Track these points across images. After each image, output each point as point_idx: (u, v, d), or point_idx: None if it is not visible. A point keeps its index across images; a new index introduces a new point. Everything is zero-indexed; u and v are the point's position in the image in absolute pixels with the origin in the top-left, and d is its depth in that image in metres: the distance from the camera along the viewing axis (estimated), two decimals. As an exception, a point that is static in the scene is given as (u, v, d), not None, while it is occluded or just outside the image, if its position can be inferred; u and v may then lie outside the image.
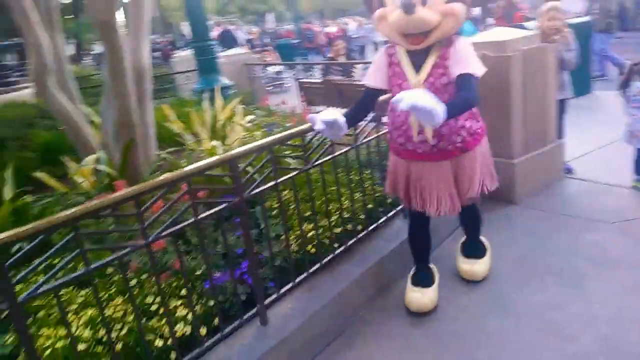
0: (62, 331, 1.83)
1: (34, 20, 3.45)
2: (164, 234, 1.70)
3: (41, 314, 1.99)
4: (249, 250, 2.02)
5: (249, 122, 4.16)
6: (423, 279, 2.43)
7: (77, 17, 18.45)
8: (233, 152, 1.90)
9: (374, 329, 2.35)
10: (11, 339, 1.84)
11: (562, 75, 3.83)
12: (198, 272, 2.22)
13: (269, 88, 9.52)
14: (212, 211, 1.86)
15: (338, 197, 2.54)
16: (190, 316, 1.96)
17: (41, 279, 1.49)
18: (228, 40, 15.50)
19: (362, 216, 2.70)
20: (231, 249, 2.20)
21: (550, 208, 3.40)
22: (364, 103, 2.23)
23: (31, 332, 1.79)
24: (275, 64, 8.80)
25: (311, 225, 2.48)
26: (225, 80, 6.24)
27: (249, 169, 2.09)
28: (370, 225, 2.74)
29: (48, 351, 1.74)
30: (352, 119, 2.12)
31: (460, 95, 1.90)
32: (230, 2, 21.40)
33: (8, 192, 3.03)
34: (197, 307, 2.03)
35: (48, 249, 1.48)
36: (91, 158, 3.11)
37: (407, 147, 2.10)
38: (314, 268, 2.38)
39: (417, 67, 2.01)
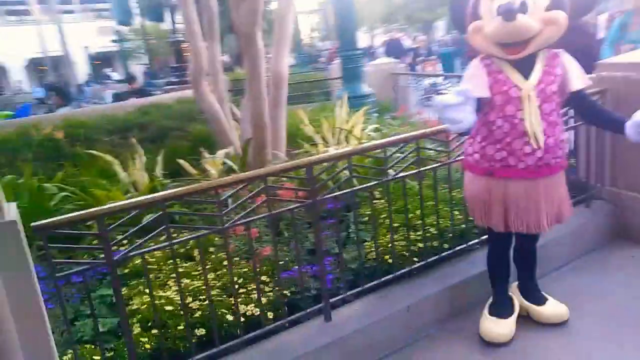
0: (159, 293, 2.22)
1: (196, 30, 4.07)
2: (237, 223, 1.96)
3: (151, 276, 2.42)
4: (318, 250, 2.18)
5: (373, 130, 4.33)
6: (500, 308, 2.34)
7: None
8: (309, 158, 2.08)
9: (440, 348, 2.33)
10: (124, 291, 2.28)
11: None
12: (281, 262, 2.46)
13: (424, 99, 9.40)
14: (284, 209, 2.07)
15: (422, 214, 2.56)
16: (263, 299, 2.21)
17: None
18: (394, 50, 15.69)
19: (450, 235, 2.68)
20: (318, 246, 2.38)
21: (695, 257, 2.93)
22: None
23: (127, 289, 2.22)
24: (427, 75, 8.69)
25: (395, 236, 2.56)
26: (366, 89, 6.47)
27: (324, 176, 2.26)
28: (458, 246, 2.69)
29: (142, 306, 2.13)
30: None
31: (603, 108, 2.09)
32: (397, 10, 21.69)
33: (158, 173, 3.66)
34: (271, 294, 2.26)
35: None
36: (222, 152, 3.58)
37: (508, 162, 2.02)
38: (387, 277, 2.44)
39: (524, 74, 1.97)
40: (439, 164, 2.55)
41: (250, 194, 2.00)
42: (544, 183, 2.06)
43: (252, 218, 2.01)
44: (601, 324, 2.40)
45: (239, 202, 1.96)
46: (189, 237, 1.93)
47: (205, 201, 2.21)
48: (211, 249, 2.65)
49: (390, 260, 2.49)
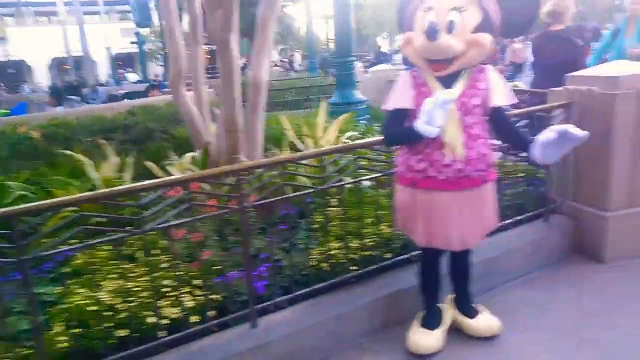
0: (87, 292, 2.27)
1: (176, 34, 4.15)
2: (159, 226, 2.00)
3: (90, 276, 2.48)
4: (245, 255, 2.21)
5: (350, 138, 4.34)
6: (429, 320, 2.33)
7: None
8: (238, 165, 2.11)
9: (366, 359, 2.34)
10: (59, 290, 2.35)
11: None
12: (218, 267, 2.49)
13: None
14: (210, 214, 2.10)
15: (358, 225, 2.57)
16: (191, 303, 2.25)
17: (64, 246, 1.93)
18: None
19: (394, 244, 2.68)
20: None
21: (650, 276, 2.86)
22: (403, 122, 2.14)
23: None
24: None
25: (338, 244, 2.57)
26: (358, 95, 6.48)
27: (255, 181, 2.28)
28: (400, 256, 2.69)
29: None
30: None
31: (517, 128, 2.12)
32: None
33: (127, 176, 3.73)
34: (202, 297, 2.30)
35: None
36: (189, 155, 3.64)
37: (428, 173, 2.04)
38: (321, 285, 2.46)
39: (447, 87, 1.99)
40: (380, 174, 2.56)
41: (172, 200, 2.04)
42: (466, 196, 2.05)
43: (172, 223, 2.05)
44: (537, 340, 2.38)
45: (158, 207, 2.00)
46: (104, 239, 1.98)
47: (124, 204, 2.26)
48: (155, 251, 2.70)
49: (328, 268, 2.50)
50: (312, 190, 2.40)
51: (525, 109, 3.01)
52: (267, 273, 2.45)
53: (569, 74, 3.27)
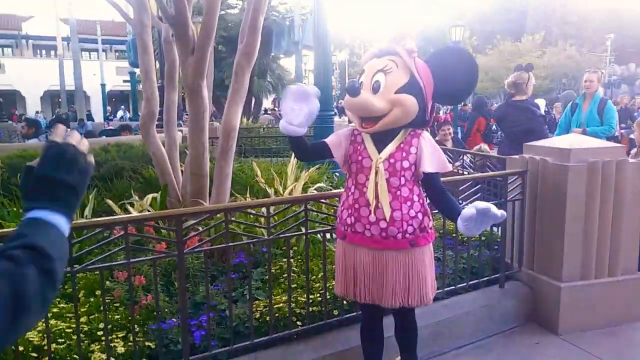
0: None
1: (151, 77, 4.22)
2: (89, 267, 1.96)
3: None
4: (182, 302, 2.16)
5: (316, 189, 4.37)
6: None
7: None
8: (179, 210, 2.09)
9: (301, 420, 2.25)
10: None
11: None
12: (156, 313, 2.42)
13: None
14: (145, 259, 2.06)
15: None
16: (122, 349, 2.17)
17: None
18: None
19: (344, 301, 2.64)
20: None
21: (602, 352, 2.82)
22: (316, 148, 2.18)
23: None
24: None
25: (285, 297, 2.53)
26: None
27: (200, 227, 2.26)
28: (349, 313, 2.64)
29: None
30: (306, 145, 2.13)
31: (449, 196, 2.07)
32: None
33: (88, 213, 3.68)
34: (133, 344, 2.22)
35: None
36: (150, 196, 3.61)
37: (356, 228, 2.04)
38: (261, 339, 2.39)
39: (380, 147, 2.02)
40: (329, 228, 2.56)
41: (106, 240, 2.01)
42: (392, 256, 2.03)
43: (108, 264, 2.00)
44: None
45: (95, 246, 1.96)
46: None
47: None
48: (98, 292, 2.63)
49: (272, 322, 2.44)
50: (255, 240, 2.38)
51: (482, 174, 3.06)
52: (207, 323, 2.38)
53: (527, 143, 3.37)
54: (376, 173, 1.97)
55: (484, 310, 3.03)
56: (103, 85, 25.71)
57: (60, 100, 26.75)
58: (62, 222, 0.87)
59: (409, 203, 2.00)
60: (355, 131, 2.10)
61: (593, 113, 4.87)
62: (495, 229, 3.43)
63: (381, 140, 2.01)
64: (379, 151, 2.00)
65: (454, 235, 3.38)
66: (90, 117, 22.20)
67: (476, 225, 1.88)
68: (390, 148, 2.00)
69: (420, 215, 2.03)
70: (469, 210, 1.87)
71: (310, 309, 2.55)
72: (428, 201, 2.16)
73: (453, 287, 3.02)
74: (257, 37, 4.03)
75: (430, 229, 2.10)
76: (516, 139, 3.71)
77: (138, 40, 4.22)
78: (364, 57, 2.09)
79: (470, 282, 3.11)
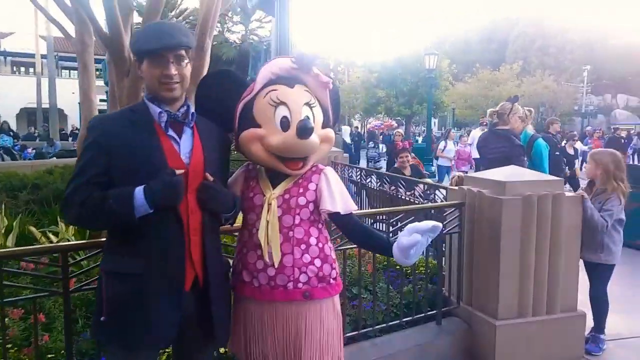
0: None
1: (91, 96, 4.09)
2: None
3: None
4: (67, 343, 1.98)
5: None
6: None
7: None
8: (62, 244, 1.93)
9: None
10: None
11: (601, 235, 3.14)
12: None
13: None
14: (24, 297, 1.89)
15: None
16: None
17: None
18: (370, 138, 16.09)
19: None
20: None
21: (537, 394, 2.69)
22: None
23: None
24: (359, 168, 7.98)
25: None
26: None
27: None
28: None
29: None
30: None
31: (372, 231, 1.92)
32: (380, 102, 22.53)
33: (11, 239, 3.48)
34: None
35: None
36: (77, 222, 3.44)
37: (243, 277, 1.80)
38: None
39: (275, 183, 1.81)
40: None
41: None
42: (283, 310, 1.75)
43: None
44: None
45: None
46: None
47: None
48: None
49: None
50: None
51: (416, 206, 2.96)
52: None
53: (471, 174, 3.29)
54: (268, 210, 1.74)
55: (417, 349, 2.88)
56: (80, 104, 25.42)
57: (34, 119, 26.36)
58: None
59: (302, 246, 1.75)
60: (250, 166, 1.89)
61: None
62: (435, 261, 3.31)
63: (277, 176, 1.80)
64: (274, 187, 1.79)
65: (397, 267, 3.26)
66: (65, 136, 21.81)
67: (417, 250, 1.71)
68: (286, 183, 1.79)
69: (317, 262, 1.76)
70: (408, 238, 1.69)
71: None
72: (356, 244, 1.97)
73: (384, 325, 2.87)
74: (204, 59, 3.95)
75: (334, 279, 1.81)
76: (492, 166, 3.63)
77: (79, 59, 4.09)
78: (259, 81, 1.79)
79: (405, 319, 2.97)
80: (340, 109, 1.97)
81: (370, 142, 14.21)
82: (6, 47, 30.36)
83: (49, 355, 2.24)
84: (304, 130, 1.65)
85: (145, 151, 1.53)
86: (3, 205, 3.72)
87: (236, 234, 2.01)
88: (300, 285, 1.74)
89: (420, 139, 22.30)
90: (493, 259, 2.90)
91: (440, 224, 1.77)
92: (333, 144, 1.88)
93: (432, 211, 3.04)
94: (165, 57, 1.54)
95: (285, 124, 1.71)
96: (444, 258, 3.29)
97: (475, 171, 8.02)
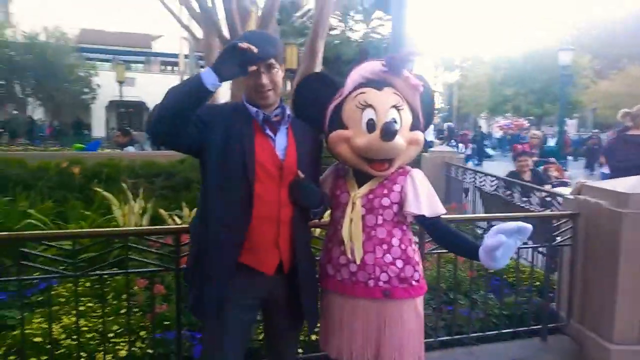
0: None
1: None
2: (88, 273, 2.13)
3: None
4: (178, 316, 2.24)
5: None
6: None
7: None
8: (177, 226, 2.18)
9: None
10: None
11: None
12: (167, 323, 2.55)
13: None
14: (144, 269, 2.19)
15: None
16: (123, 353, 2.32)
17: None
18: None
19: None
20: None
21: None
22: None
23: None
24: (475, 171, 7.44)
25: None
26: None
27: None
28: None
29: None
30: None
31: (458, 233, 1.87)
32: (507, 100, 21.21)
33: (146, 219, 3.96)
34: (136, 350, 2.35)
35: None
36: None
37: (327, 270, 1.89)
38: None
39: (361, 183, 1.85)
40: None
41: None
42: (364, 306, 1.79)
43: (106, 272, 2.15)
44: None
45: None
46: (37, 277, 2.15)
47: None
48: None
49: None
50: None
51: (520, 214, 2.81)
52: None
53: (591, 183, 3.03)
54: (352, 208, 1.79)
55: (517, 365, 2.75)
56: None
57: (123, 111, 29.09)
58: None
59: (384, 246, 1.78)
60: (340, 165, 1.95)
61: None
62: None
63: (363, 176, 1.84)
64: (360, 186, 1.84)
65: (504, 276, 3.13)
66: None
67: (504, 252, 1.65)
68: (371, 184, 1.83)
69: (399, 263, 1.79)
70: (492, 239, 1.64)
71: None
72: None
73: (481, 334, 2.78)
74: (315, 60, 4.12)
75: (417, 281, 1.82)
76: (617, 176, 3.26)
77: (205, 60, 4.49)
78: (349, 84, 1.83)
79: (505, 330, 2.84)
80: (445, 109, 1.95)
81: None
82: (156, 48, 33.95)
83: (165, 322, 2.54)
84: (388, 132, 1.68)
85: (239, 134, 1.66)
86: (141, 190, 4.21)
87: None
88: (380, 283, 1.78)
89: (553, 142, 20.60)
90: (610, 276, 2.66)
91: (529, 226, 1.66)
92: (421, 146, 1.85)
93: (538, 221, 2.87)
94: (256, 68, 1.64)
95: (371, 126, 1.75)
96: (555, 272, 3.08)
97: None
